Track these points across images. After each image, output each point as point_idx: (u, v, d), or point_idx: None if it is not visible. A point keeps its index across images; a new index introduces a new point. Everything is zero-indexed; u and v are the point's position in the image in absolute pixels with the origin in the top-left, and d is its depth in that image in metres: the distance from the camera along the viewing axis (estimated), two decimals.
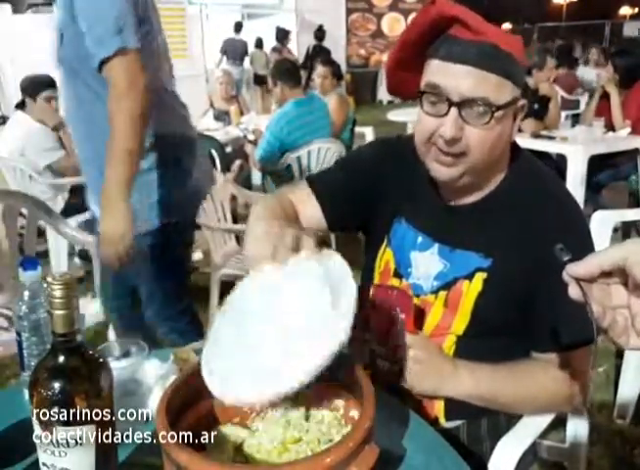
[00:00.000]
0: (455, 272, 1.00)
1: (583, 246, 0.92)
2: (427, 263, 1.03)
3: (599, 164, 3.74)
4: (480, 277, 0.98)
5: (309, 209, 1.09)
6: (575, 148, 3.61)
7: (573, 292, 0.62)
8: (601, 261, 0.61)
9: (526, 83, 1.04)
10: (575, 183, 3.52)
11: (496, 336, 0.99)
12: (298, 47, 10.82)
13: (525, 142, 3.69)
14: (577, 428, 1.32)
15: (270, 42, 9.96)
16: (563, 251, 0.66)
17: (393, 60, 1.02)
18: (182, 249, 1.62)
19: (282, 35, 9.79)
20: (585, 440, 1.34)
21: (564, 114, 4.84)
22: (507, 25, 23.36)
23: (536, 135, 3.82)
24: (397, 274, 1.07)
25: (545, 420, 1.04)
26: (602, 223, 1.75)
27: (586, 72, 7.17)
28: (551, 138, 3.80)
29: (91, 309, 1.89)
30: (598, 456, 1.82)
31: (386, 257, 1.09)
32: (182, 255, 1.63)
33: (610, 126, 3.88)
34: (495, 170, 1.00)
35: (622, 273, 0.60)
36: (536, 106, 4.00)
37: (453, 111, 0.90)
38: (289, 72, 3.48)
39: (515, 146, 1.03)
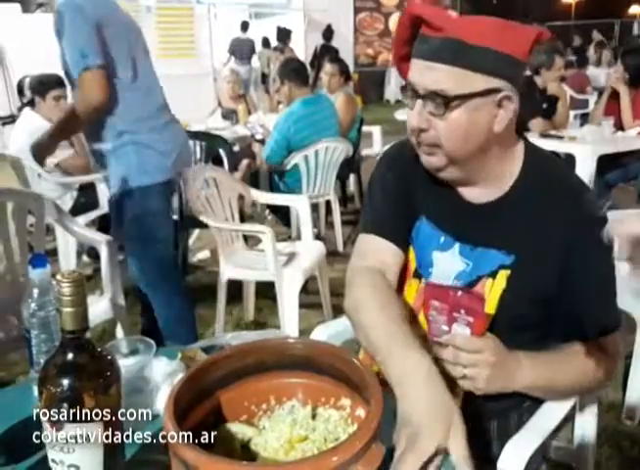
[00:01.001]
0: (478, 271, 1.00)
1: (600, 238, 0.97)
2: (448, 263, 1.03)
3: (608, 164, 3.72)
4: (503, 274, 0.98)
5: (388, 256, 1.07)
6: (584, 148, 3.59)
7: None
8: None
9: (519, 75, 1.04)
10: None
11: (521, 332, 0.99)
12: (306, 46, 10.83)
13: (533, 142, 3.66)
14: (585, 429, 1.31)
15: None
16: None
17: (394, 56, 1.07)
18: (156, 209, 2.05)
19: (283, 35, 9.79)
20: (593, 441, 1.33)
21: (572, 113, 4.81)
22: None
23: (545, 135, 3.80)
24: (417, 274, 1.07)
25: (554, 421, 1.03)
26: None
27: (596, 72, 7.13)
28: (559, 138, 3.78)
29: (99, 307, 1.90)
30: (606, 457, 1.81)
31: (407, 256, 1.09)
32: (156, 214, 2.05)
33: (619, 126, 3.85)
34: (498, 164, 1.00)
35: None
36: (545, 105, 3.98)
37: (418, 102, 0.95)
38: (296, 72, 3.49)
39: (527, 142, 1.05)
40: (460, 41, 0.90)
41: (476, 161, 0.98)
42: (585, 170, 3.52)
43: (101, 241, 1.96)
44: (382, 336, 0.88)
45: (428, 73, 0.93)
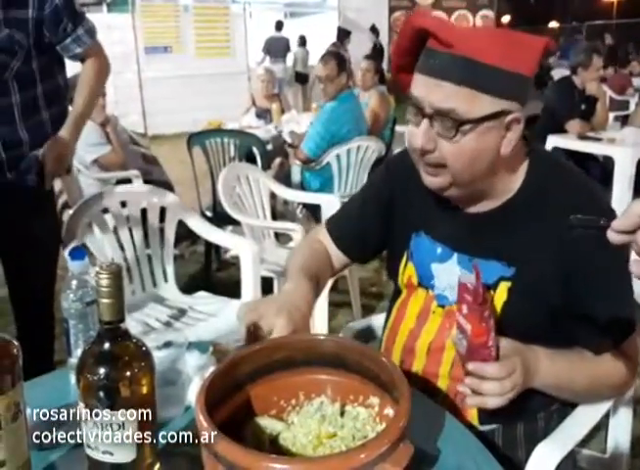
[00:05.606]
0: None
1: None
2: (448, 274, 1.01)
3: None
4: (504, 286, 0.96)
5: (333, 250, 1.19)
6: (624, 150, 3.51)
7: (617, 238, 0.61)
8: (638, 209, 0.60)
9: (526, 92, 0.97)
10: (623, 187, 3.42)
11: (527, 343, 0.95)
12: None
13: (570, 143, 3.60)
14: (619, 438, 1.29)
15: (313, 40, 9.98)
16: (584, 218, 0.65)
17: (394, 67, 1.02)
18: None
19: (342, 35, 9.81)
20: (627, 450, 1.30)
21: (612, 115, 4.69)
22: (554, 24, 22.71)
23: (583, 136, 3.71)
24: (422, 285, 1.06)
25: (585, 428, 1.02)
26: None
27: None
28: (598, 139, 3.69)
29: None
30: None
31: (408, 271, 1.08)
32: None
33: None
34: (500, 180, 0.96)
35: None
36: (583, 106, 3.89)
37: (424, 122, 0.90)
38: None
39: (533, 154, 0.99)
40: (469, 59, 0.85)
41: (480, 182, 0.95)
42: (625, 174, 3.44)
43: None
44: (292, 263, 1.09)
45: (435, 91, 0.87)
